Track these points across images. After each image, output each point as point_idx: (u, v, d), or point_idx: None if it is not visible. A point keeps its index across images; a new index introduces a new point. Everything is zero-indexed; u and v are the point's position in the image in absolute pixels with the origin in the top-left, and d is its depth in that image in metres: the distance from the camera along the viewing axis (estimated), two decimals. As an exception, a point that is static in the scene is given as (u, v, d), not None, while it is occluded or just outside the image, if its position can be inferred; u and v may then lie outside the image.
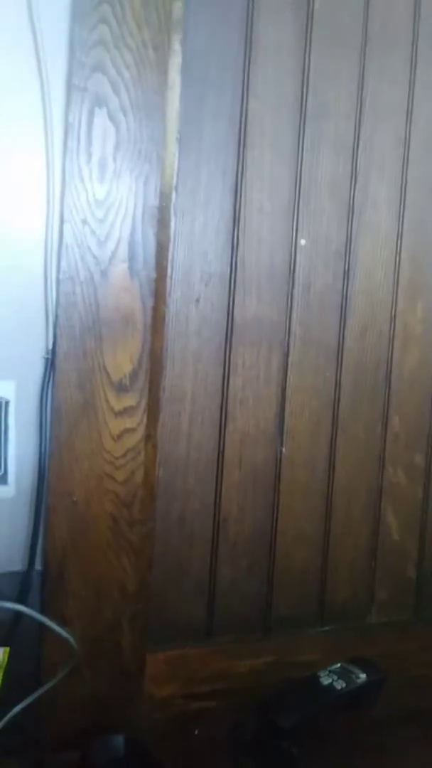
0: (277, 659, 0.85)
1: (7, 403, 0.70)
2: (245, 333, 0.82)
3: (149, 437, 0.74)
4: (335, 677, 0.79)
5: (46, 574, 0.71)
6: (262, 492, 0.85)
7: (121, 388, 0.72)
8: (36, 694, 0.68)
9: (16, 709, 0.67)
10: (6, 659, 0.68)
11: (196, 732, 0.76)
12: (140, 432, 0.73)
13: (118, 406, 0.72)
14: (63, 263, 0.69)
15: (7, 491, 0.71)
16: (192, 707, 0.80)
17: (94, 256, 0.70)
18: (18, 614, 0.69)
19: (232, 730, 0.75)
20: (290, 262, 0.83)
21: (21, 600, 0.69)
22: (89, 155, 0.68)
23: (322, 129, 0.83)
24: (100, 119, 0.68)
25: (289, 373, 0.85)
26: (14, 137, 0.67)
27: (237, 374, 0.83)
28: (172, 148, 0.75)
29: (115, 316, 0.71)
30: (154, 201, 0.72)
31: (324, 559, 0.89)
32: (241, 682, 0.83)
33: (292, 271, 0.84)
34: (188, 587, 0.83)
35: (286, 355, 0.84)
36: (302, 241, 0.84)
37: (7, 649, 0.68)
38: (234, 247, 0.80)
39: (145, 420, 0.73)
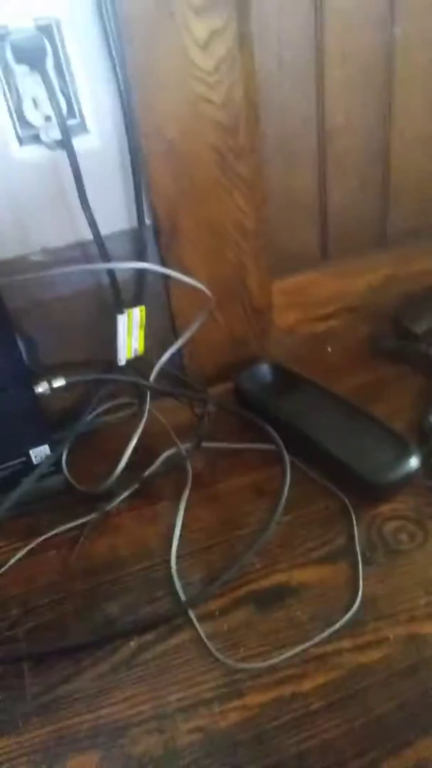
0: (395, 272, 0.83)
1: (58, 23, 0.54)
2: None
3: (243, 38, 0.58)
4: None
5: (158, 227, 0.65)
6: (372, 90, 0.71)
7: (199, -30, 0.53)
8: (181, 340, 0.70)
9: (164, 357, 0.70)
10: (143, 317, 0.68)
11: (329, 349, 0.79)
12: (231, 32, 0.57)
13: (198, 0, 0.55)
14: None
15: (90, 141, 0.60)
16: (319, 328, 0.82)
17: None
18: (141, 273, 0.66)
19: (368, 339, 0.77)
20: None
21: (138, 259, 0.65)
22: None
23: None
24: None
25: None
26: None
27: None
28: None
29: None
30: None
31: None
32: (362, 300, 0.82)
33: None
34: (299, 216, 0.76)
35: None
36: None
37: (143, 307, 0.67)
38: None
39: (234, 14, 0.56)
